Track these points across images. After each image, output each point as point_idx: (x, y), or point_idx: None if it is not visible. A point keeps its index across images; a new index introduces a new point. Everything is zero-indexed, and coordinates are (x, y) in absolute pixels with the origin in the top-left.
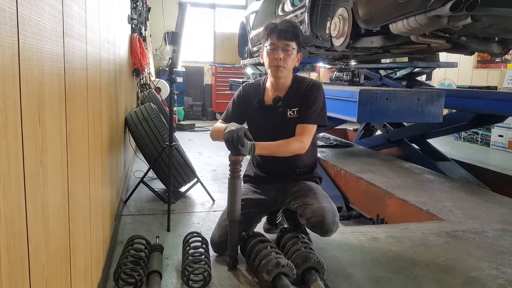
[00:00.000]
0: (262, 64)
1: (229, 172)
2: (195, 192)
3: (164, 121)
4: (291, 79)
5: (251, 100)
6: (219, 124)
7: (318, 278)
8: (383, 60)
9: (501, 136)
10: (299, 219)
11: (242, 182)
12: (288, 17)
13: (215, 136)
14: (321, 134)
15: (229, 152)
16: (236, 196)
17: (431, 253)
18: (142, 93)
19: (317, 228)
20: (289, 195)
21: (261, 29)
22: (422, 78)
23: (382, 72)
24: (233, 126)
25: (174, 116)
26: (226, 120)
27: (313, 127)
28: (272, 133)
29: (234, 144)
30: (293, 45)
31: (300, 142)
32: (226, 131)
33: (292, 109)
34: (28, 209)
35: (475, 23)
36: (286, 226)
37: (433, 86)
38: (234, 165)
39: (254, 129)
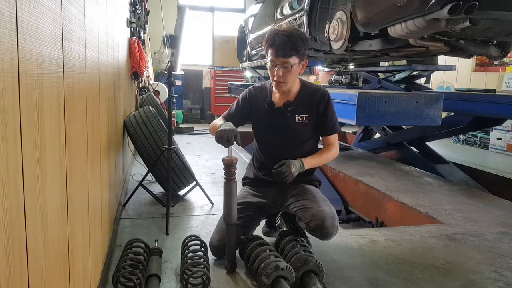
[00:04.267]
0: (261, 67)
1: (224, 176)
2: (194, 196)
3: (163, 124)
4: (298, 84)
5: (259, 101)
6: (218, 121)
7: (317, 281)
8: (381, 63)
9: (500, 139)
10: (298, 223)
11: (242, 185)
12: (286, 20)
13: (211, 131)
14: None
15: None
16: (232, 199)
17: (430, 256)
18: (141, 97)
19: (317, 232)
20: (288, 198)
21: (260, 32)
22: (421, 81)
23: (381, 75)
24: (226, 126)
25: (173, 119)
26: (228, 118)
27: (337, 135)
28: (279, 136)
29: (223, 142)
30: (293, 60)
31: (334, 151)
32: (219, 129)
33: (301, 115)
34: (27, 212)
35: (473, 26)
36: (285, 229)
37: (432, 89)
38: (229, 168)
39: (260, 130)
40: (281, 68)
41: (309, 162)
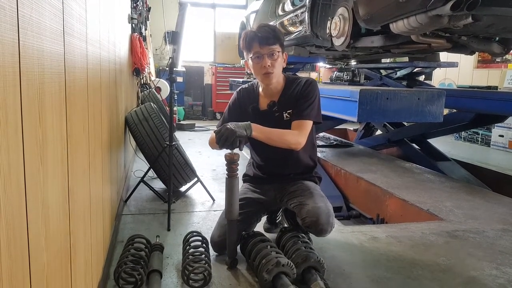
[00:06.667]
0: None
1: (226, 172)
2: (195, 192)
3: (164, 120)
4: (283, 80)
5: (246, 106)
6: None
7: (318, 277)
8: (383, 60)
9: (502, 136)
10: (296, 219)
11: (242, 182)
12: (288, 16)
13: (211, 145)
14: (321, 134)
15: (226, 151)
16: (233, 195)
17: (431, 253)
18: (142, 93)
19: (311, 228)
20: (287, 195)
21: None
22: (422, 78)
23: (383, 72)
24: (232, 125)
25: (174, 115)
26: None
27: (309, 124)
28: None
29: (227, 144)
30: (277, 48)
31: (297, 137)
32: (226, 127)
33: (288, 111)
34: (28, 207)
35: (475, 23)
36: (286, 225)
37: (434, 86)
38: (230, 165)
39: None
40: (268, 58)
41: (260, 129)
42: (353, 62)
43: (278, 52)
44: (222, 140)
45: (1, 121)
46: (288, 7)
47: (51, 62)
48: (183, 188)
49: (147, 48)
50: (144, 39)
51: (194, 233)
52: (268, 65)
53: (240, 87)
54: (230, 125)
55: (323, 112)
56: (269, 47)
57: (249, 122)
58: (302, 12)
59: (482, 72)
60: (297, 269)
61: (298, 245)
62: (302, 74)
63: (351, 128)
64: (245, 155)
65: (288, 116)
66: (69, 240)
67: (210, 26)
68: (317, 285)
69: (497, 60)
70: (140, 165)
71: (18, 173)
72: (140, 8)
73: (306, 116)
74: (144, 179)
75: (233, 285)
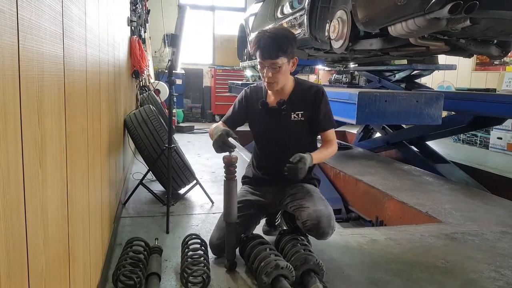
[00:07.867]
0: None
1: (224, 174)
2: (194, 194)
3: (163, 123)
4: (292, 82)
5: (254, 102)
6: (214, 125)
7: (317, 280)
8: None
9: (500, 138)
10: (296, 222)
11: (241, 184)
12: (287, 19)
13: (211, 137)
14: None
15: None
16: (231, 198)
17: (430, 255)
18: (141, 95)
19: (313, 231)
20: (286, 197)
21: None
22: (423, 81)
23: (382, 74)
24: (216, 135)
25: (173, 118)
26: (227, 121)
27: (334, 131)
28: (276, 135)
29: (224, 149)
30: (281, 60)
31: (334, 147)
32: (213, 141)
33: (297, 112)
34: (27, 211)
35: (473, 26)
36: (285, 228)
37: (432, 89)
38: (229, 167)
39: (257, 131)
40: (270, 69)
41: (316, 157)
42: (351, 65)
43: (281, 65)
44: (216, 147)
45: (1, 124)
46: (287, 10)
47: (51, 65)
48: (182, 191)
49: (146, 51)
50: (144, 41)
51: (193, 236)
52: (269, 76)
53: (249, 85)
54: (306, 162)
55: None
56: (270, 60)
57: (311, 155)
58: (301, 15)
59: (481, 74)
60: (296, 272)
61: (297, 248)
62: (301, 77)
63: (350, 131)
64: (244, 157)
65: (296, 117)
66: (67, 243)
67: (209, 29)
68: None
69: (495, 62)
70: (139, 167)
71: (17, 177)
72: (140, 10)
73: (331, 126)
74: (143, 181)
75: None
